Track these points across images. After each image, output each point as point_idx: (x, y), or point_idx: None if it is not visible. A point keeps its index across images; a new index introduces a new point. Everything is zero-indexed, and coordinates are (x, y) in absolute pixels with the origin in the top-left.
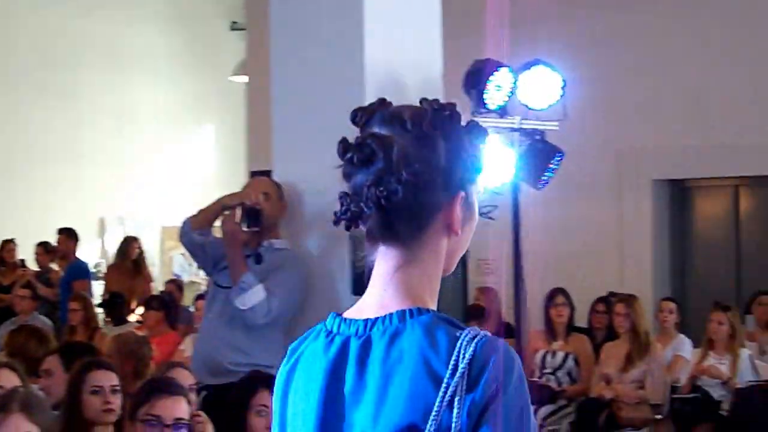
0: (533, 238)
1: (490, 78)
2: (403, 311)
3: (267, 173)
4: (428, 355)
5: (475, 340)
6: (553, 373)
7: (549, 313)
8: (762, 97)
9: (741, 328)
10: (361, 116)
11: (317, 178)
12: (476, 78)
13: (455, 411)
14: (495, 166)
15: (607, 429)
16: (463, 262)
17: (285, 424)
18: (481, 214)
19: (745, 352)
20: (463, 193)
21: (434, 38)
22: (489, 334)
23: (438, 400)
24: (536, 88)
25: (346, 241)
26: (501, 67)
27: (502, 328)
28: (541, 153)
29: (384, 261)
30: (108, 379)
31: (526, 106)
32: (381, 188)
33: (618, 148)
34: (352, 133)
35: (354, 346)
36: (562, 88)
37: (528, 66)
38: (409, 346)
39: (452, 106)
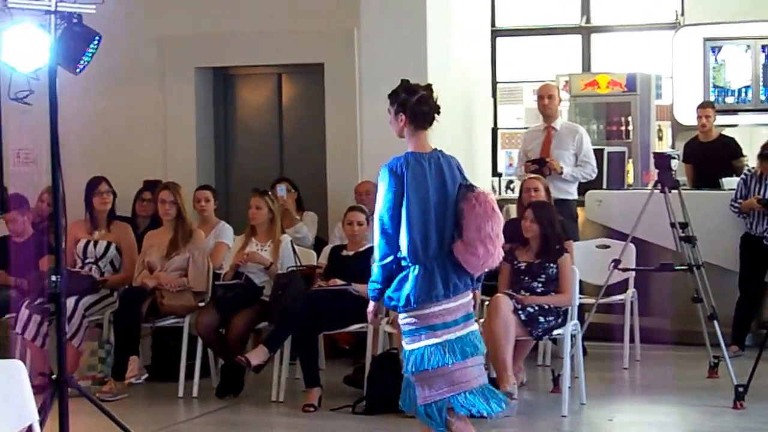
0: (73, 126)
1: None
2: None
3: None
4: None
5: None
6: (95, 263)
7: (91, 202)
8: None
9: (279, 213)
10: None
11: None
12: None
13: None
14: (30, 49)
15: (149, 317)
16: None
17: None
18: (16, 99)
19: (286, 238)
20: None
21: None
22: None
23: None
24: None
25: None
26: None
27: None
28: (78, 36)
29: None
30: None
31: None
32: None
33: (160, 34)
34: None
35: None
36: None
37: None
38: None
39: None
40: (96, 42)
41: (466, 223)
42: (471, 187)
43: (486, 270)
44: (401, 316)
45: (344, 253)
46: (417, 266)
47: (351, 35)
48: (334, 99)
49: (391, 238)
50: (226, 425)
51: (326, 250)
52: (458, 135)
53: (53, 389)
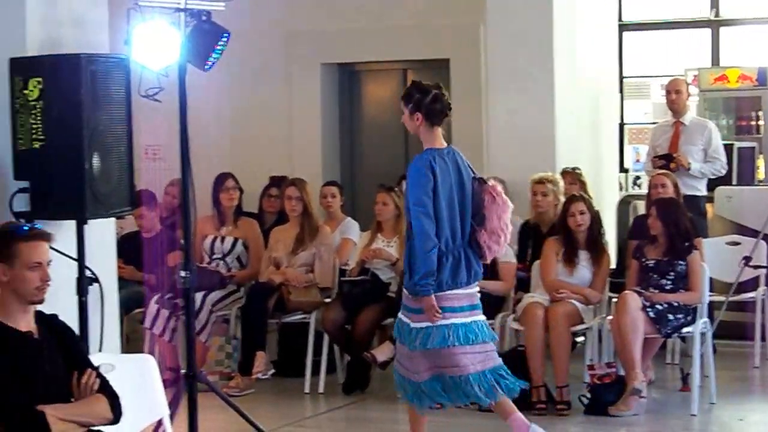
0: (201, 122)
1: None
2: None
3: None
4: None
5: None
6: (222, 259)
7: (218, 198)
8: None
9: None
10: None
11: None
12: None
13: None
14: (160, 47)
15: (276, 313)
16: (129, 145)
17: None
18: (146, 96)
19: None
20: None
21: None
22: None
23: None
24: None
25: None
26: None
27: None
28: (208, 34)
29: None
30: None
31: None
32: None
33: (287, 30)
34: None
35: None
36: None
37: None
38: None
39: None
40: (225, 39)
41: (488, 214)
42: (483, 180)
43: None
44: (413, 297)
45: None
46: (448, 255)
47: (477, 31)
48: (460, 95)
49: (433, 230)
50: (352, 421)
51: None
52: (584, 130)
53: (183, 384)
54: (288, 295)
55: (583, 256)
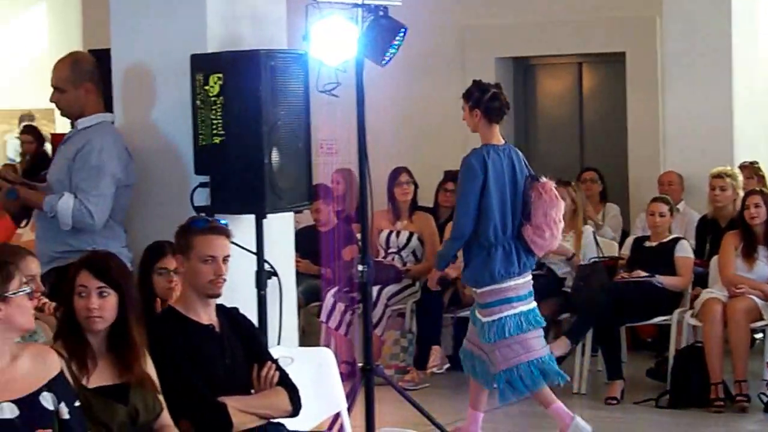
0: (376, 116)
1: None
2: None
3: (106, 51)
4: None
5: None
6: (397, 253)
7: (393, 193)
8: None
9: (583, 204)
10: None
11: (157, 56)
12: None
13: None
14: (337, 43)
15: (451, 307)
16: (307, 140)
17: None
18: (324, 92)
19: (588, 229)
20: None
21: None
22: None
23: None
24: None
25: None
26: None
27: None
28: (385, 29)
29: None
30: None
31: None
32: None
33: (462, 25)
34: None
35: None
36: None
37: None
38: None
39: None
40: (402, 34)
41: (534, 210)
42: (536, 178)
43: (546, 251)
44: (479, 291)
45: (647, 244)
46: (498, 246)
47: (653, 23)
48: (636, 88)
49: (467, 225)
50: (527, 416)
51: (629, 241)
52: (764, 123)
53: (359, 377)
54: (463, 289)
55: (763, 252)
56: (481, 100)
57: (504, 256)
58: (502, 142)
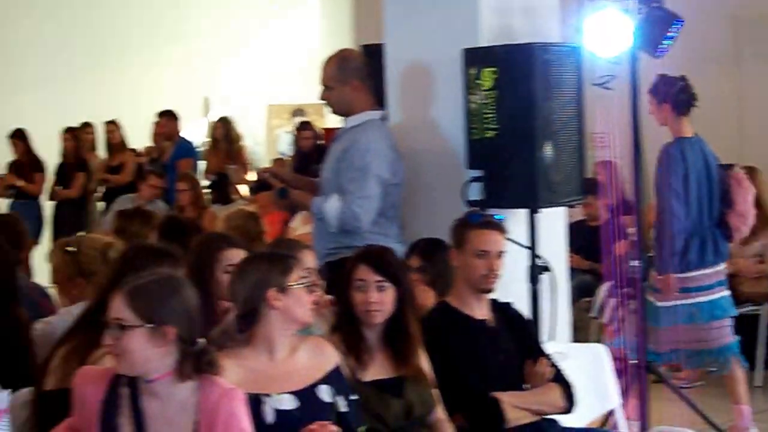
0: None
1: None
2: None
3: (377, 46)
4: None
5: None
6: None
7: None
8: None
9: None
10: None
11: (430, 52)
12: None
13: None
14: (612, 35)
15: None
16: (580, 134)
17: None
18: (598, 84)
19: None
20: None
21: None
22: None
23: None
24: None
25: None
26: None
27: (622, 203)
28: (660, 20)
29: None
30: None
31: None
32: None
33: (735, 15)
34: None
35: None
36: None
37: None
38: None
39: None
40: (677, 26)
41: (736, 197)
42: (728, 167)
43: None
44: (660, 276)
45: None
46: (696, 236)
47: None
48: None
49: (682, 213)
50: None
51: None
52: None
53: (633, 374)
54: (738, 286)
55: None
56: (669, 94)
57: (700, 246)
58: (692, 134)
